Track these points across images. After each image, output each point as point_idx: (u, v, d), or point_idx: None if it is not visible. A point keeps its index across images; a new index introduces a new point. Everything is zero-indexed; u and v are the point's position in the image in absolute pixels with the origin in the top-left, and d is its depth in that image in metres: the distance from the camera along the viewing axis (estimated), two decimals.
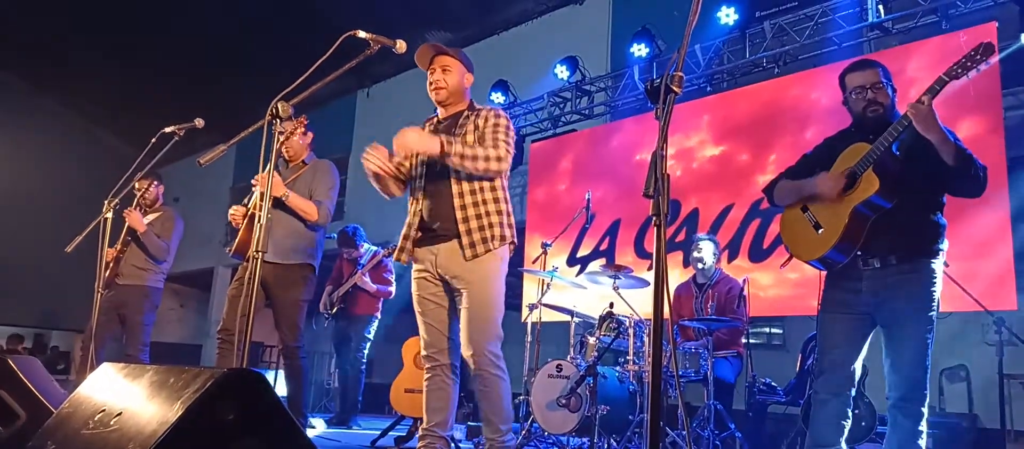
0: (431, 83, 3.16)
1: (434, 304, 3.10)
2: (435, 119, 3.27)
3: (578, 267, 7.63)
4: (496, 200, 3.05)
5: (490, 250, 2.97)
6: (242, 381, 1.75)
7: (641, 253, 7.22)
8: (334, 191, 4.18)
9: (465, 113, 3.16)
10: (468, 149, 2.93)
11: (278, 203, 3.95)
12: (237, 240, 3.99)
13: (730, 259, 6.35)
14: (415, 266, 3.14)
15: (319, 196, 4.10)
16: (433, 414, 3.05)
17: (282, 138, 4.04)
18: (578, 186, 7.92)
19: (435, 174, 3.07)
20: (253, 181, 3.87)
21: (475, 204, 3.00)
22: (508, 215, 3.09)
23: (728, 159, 6.87)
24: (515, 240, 3.11)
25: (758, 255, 6.28)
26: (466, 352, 2.97)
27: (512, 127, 3.13)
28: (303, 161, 4.24)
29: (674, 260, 6.73)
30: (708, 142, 7.07)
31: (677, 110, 6.95)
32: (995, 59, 5.22)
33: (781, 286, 6.13)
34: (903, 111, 2.66)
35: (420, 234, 3.10)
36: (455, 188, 3.01)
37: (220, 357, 3.94)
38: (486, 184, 3.04)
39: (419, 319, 3.13)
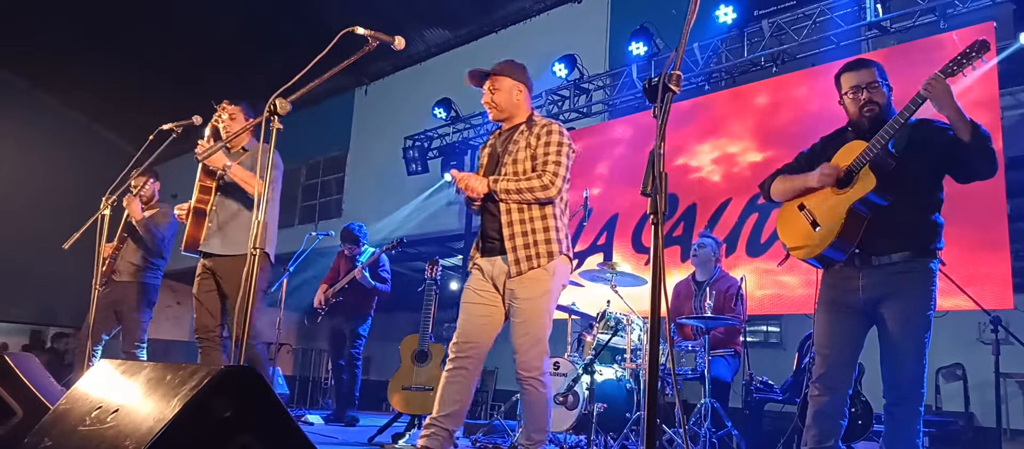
0: (486, 105, 3.25)
1: (480, 299, 3.15)
2: (498, 131, 3.35)
3: (576, 261, 7.63)
4: (544, 217, 3.09)
5: (535, 267, 3.04)
6: (239, 378, 1.74)
7: (638, 248, 7.23)
8: (276, 167, 3.99)
9: (521, 128, 3.21)
10: (512, 184, 3.04)
11: (223, 187, 3.90)
12: (185, 236, 3.94)
13: (728, 253, 6.36)
14: (475, 268, 3.26)
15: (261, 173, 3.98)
16: (446, 405, 3.04)
17: (222, 124, 4.00)
18: (576, 183, 7.91)
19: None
20: (197, 152, 3.79)
21: (521, 222, 3.07)
22: (557, 230, 3.11)
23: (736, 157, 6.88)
24: (568, 252, 3.16)
25: (755, 250, 6.30)
26: (517, 361, 3.08)
27: (566, 142, 3.15)
28: (243, 147, 4.11)
29: (671, 254, 6.73)
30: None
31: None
32: (993, 58, 5.23)
33: (782, 286, 6.13)
34: (899, 109, 2.66)
35: (482, 244, 3.23)
36: (503, 206, 3.09)
37: (203, 356, 3.93)
38: (514, 201, 3.09)
39: (461, 309, 3.18)
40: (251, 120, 4.12)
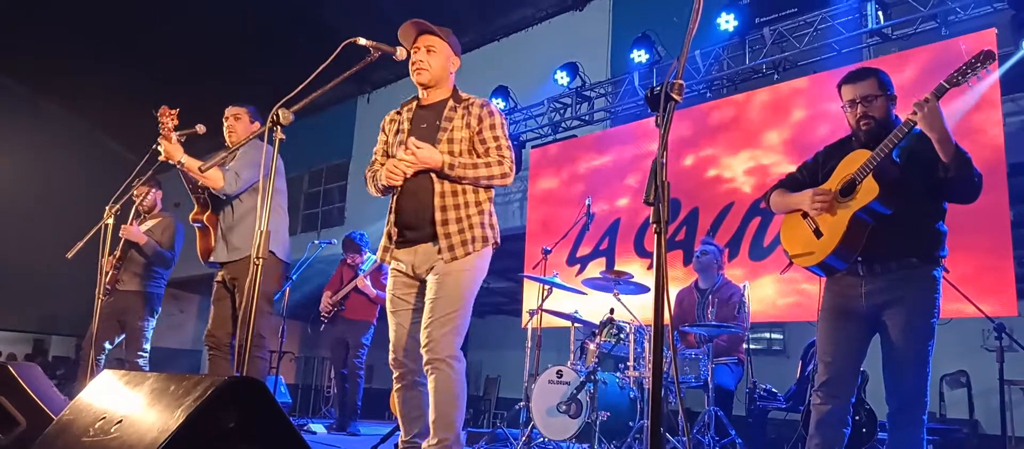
0: (413, 64, 2.91)
1: (406, 305, 2.92)
2: (415, 103, 3.04)
3: (578, 266, 7.65)
4: (478, 202, 2.89)
5: (470, 253, 2.83)
6: (243, 389, 1.74)
7: (641, 252, 7.23)
8: (250, 166, 3.85)
9: (450, 103, 2.94)
10: (470, 170, 2.82)
11: (211, 196, 3.90)
12: (198, 248, 3.98)
13: (730, 258, 6.36)
14: (393, 264, 2.99)
15: (232, 167, 3.85)
16: (412, 423, 2.86)
17: (225, 125, 4.00)
18: (578, 191, 7.93)
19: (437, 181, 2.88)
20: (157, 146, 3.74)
21: (456, 207, 2.84)
22: (490, 215, 2.94)
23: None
24: (498, 240, 2.96)
25: (758, 254, 6.29)
26: (423, 341, 2.77)
27: (505, 123, 2.99)
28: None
29: (674, 259, 6.74)
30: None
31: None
32: (996, 69, 5.23)
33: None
34: (904, 117, 2.66)
35: (401, 236, 2.93)
36: (437, 187, 2.83)
37: (211, 365, 3.92)
38: (468, 185, 2.87)
39: (389, 318, 2.96)
40: (256, 123, 4.11)
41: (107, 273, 4.93)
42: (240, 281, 3.85)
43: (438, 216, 2.82)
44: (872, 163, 2.65)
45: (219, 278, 3.99)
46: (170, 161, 3.75)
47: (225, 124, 4.10)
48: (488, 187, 2.92)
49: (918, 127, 2.59)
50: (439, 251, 2.81)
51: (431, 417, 2.72)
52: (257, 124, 4.14)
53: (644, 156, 7.46)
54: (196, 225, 3.97)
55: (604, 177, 7.83)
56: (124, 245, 5.04)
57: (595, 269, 7.38)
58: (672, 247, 6.83)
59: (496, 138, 2.90)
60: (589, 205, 5.83)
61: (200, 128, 3.94)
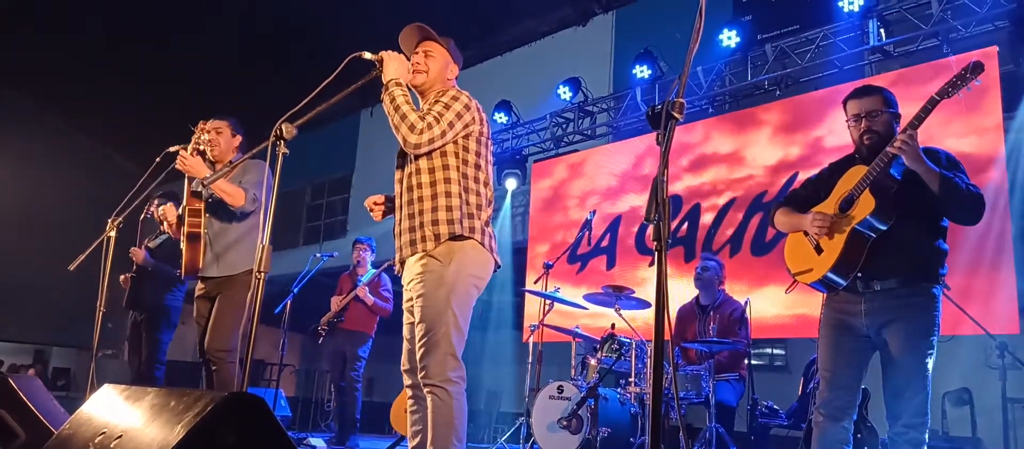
0: (413, 66, 2.89)
1: (410, 317, 2.79)
2: None
3: (578, 264, 7.66)
4: (434, 197, 2.68)
5: (417, 253, 2.67)
6: (242, 405, 1.74)
7: (642, 250, 7.24)
8: (260, 186, 3.85)
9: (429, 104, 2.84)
10: (392, 117, 2.70)
11: (210, 207, 3.88)
12: (183, 261, 3.90)
13: (732, 254, 6.36)
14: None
15: (246, 185, 3.86)
16: (412, 438, 2.81)
17: (206, 138, 3.99)
18: (580, 206, 7.95)
19: (400, 185, 2.85)
20: (177, 164, 3.78)
21: (409, 203, 2.73)
22: (449, 209, 2.66)
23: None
24: (478, 237, 2.71)
25: (760, 250, 6.29)
26: (417, 365, 2.69)
27: (463, 99, 2.76)
28: (230, 162, 3.98)
29: (675, 255, 6.73)
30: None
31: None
32: (995, 82, 5.24)
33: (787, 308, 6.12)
34: (893, 141, 2.69)
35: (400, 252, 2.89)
36: (405, 197, 2.78)
37: (206, 379, 3.92)
38: (424, 180, 2.71)
39: (404, 330, 2.90)
40: (238, 136, 4.11)
41: (123, 295, 5.02)
42: (226, 293, 3.84)
43: (405, 223, 2.76)
44: (869, 178, 2.68)
45: (202, 292, 3.98)
46: (194, 175, 3.77)
47: (205, 137, 4.02)
48: (406, 144, 2.70)
49: (921, 146, 2.62)
50: (403, 263, 2.76)
51: (429, 437, 2.63)
52: (239, 137, 4.13)
53: (646, 164, 7.47)
54: (191, 238, 3.94)
55: (605, 190, 7.85)
56: (138, 269, 5.12)
57: (596, 267, 7.40)
58: (673, 243, 6.83)
59: (432, 108, 2.73)
60: (590, 220, 5.84)
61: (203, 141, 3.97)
